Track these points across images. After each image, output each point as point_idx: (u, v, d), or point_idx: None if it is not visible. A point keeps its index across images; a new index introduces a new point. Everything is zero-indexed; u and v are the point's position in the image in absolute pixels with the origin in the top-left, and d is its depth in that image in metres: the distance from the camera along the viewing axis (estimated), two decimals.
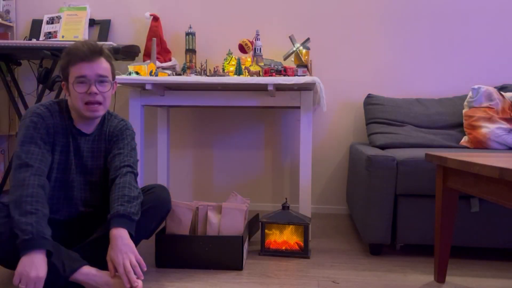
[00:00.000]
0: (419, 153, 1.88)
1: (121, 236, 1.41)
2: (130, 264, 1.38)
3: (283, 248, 1.93)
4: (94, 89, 1.51)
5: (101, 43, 1.61)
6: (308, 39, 2.26)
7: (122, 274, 1.36)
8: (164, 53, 2.74)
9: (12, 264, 1.40)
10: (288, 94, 2.19)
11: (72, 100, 1.55)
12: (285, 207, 1.96)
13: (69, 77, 1.52)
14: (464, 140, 2.32)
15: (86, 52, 1.50)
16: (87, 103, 1.52)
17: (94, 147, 1.64)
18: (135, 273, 1.38)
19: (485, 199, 1.30)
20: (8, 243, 1.36)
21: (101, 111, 1.56)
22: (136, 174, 1.62)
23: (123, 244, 1.40)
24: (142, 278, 1.39)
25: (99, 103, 1.54)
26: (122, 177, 1.56)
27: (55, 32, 2.81)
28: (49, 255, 1.35)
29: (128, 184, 1.54)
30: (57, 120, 1.56)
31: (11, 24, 2.95)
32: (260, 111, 2.87)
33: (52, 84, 2.52)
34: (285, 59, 2.30)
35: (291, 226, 1.92)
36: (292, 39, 2.28)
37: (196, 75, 2.22)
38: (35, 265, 1.30)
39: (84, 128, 1.61)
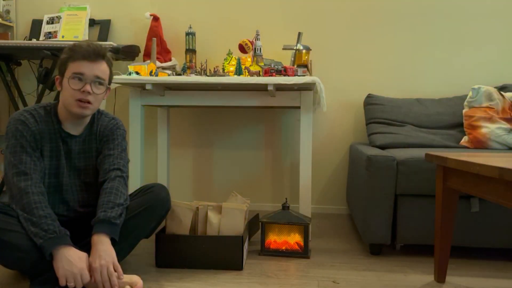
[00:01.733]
0: (419, 153, 1.88)
1: (101, 241, 1.41)
2: (107, 272, 1.37)
3: (283, 248, 1.93)
4: (88, 88, 1.50)
5: (102, 43, 1.62)
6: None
7: (98, 281, 1.36)
8: (164, 53, 2.74)
9: (32, 271, 1.43)
10: (288, 94, 2.19)
11: (63, 95, 1.54)
12: (285, 207, 1.96)
13: (66, 72, 1.51)
14: (464, 140, 2.32)
15: (90, 52, 1.51)
16: (77, 100, 1.51)
17: (85, 148, 1.64)
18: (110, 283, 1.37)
19: (485, 199, 1.30)
20: (32, 253, 1.39)
21: (89, 111, 1.55)
22: (125, 178, 1.62)
23: (102, 250, 1.40)
24: (116, 287, 1.38)
25: (89, 103, 1.53)
26: (110, 181, 1.56)
27: (55, 32, 2.81)
28: None
29: (115, 190, 1.54)
30: (42, 125, 1.54)
31: (11, 24, 2.95)
32: (260, 111, 2.87)
33: (52, 84, 2.52)
34: (283, 48, 2.30)
35: (291, 226, 1.92)
36: (299, 37, 2.28)
37: (196, 75, 2.22)
38: (71, 259, 1.35)
39: (73, 130, 1.60)
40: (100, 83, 1.55)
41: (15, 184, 1.44)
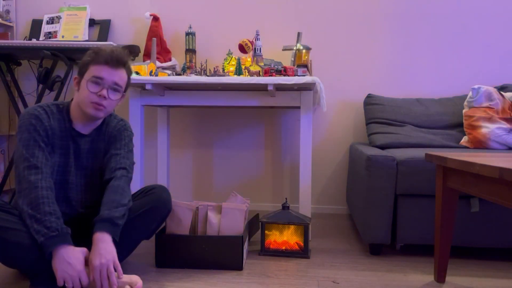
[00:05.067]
0: (419, 153, 1.88)
1: (102, 240, 1.40)
2: (107, 271, 1.36)
3: (283, 248, 1.93)
4: (104, 92, 1.54)
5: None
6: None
7: (97, 280, 1.36)
8: (164, 53, 2.74)
9: (31, 270, 1.43)
10: (288, 94, 2.19)
11: (79, 96, 1.56)
12: (285, 207, 1.96)
13: (86, 74, 1.54)
14: (464, 140, 2.32)
15: (113, 58, 1.54)
16: (92, 102, 1.54)
17: (94, 148, 1.65)
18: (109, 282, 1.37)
19: (485, 199, 1.30)
20: (32, 251, 1.39)
21: (102, 114, 1.58)
22: (130, 178, 1.63)
23: (103, 248, 1.39)
24: (115, 286, 1.36)
25: (104, 106, 1.56)
26: (116, 180, 1.57)
27: (55, 32, 2.81)
28: None
29: (120, 190, 1.54)
30: (55, 122, 1.57)
31: (11, 24, 2.95)
32: (260, 111, 2.87)
33: (52, 84, 2.51)
34: (283, 49, 2.30)
35: (291, 226, 1.92)
36: (299, 37, 2.28)
37: (196, 75, 2.22)
38: (70, 261, 1.35)
39: (83, 129, 1.62)
40: (117, 90, 1.58)
41: (25, 177, 1.44)
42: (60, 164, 1.58)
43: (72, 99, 1.64)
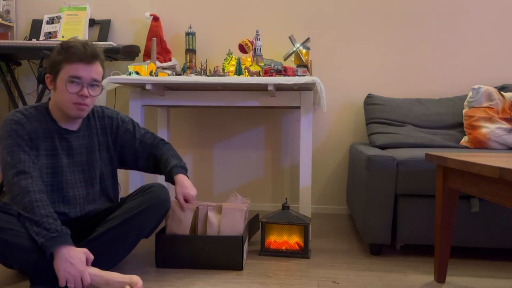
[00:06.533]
0: (419, 153, 1.88)
1: (184, 178, 1.71)
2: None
3: (283, 248, 1.93)
4: (86, 92, 1.51)
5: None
6: (308, 39, 2.26)
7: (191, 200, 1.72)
8: (164, 53, 2.74)
9: (31, 270, 1.43)
10: (288, 94, 2.19)
11: (57, 97, 1.53)
12: (285, 207, 1.96)
13: (61, 73, 1.50)
14: (464, 140, 2.32)
15: (87, 54, 1.50)
16: (75, 103, 1.52)
17: (86, 143, 1.65)
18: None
19: (485, 199, 1.30)
20: (32, 252, 1.39)
21: (85, 113, 1.58)
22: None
23: (189, 183, 1.71)
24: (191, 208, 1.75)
25: (86, 105, 1.54)
26: (165, 145, 1.82)
27: (55, 32, 2.81)
28: None
29: (172, 149, 1.82)
30: (36, 125, 1.54)
31: (11, 24, 2.95)
32: (260, 111, 2.87)
33: None
34: (285, 59, 2.30)
35: (291, 226, 1.92)
36: (292, 40, 2.28)
37: (196, 75, 2.22)
38: (72, 261, 1.36)
39: (70, 126, 1.61)
40: (96, 85, 1.55)
41: (15, 184, 1.42)
42: (49, 166, 1.55)
43: (49, 99, 1.60)
